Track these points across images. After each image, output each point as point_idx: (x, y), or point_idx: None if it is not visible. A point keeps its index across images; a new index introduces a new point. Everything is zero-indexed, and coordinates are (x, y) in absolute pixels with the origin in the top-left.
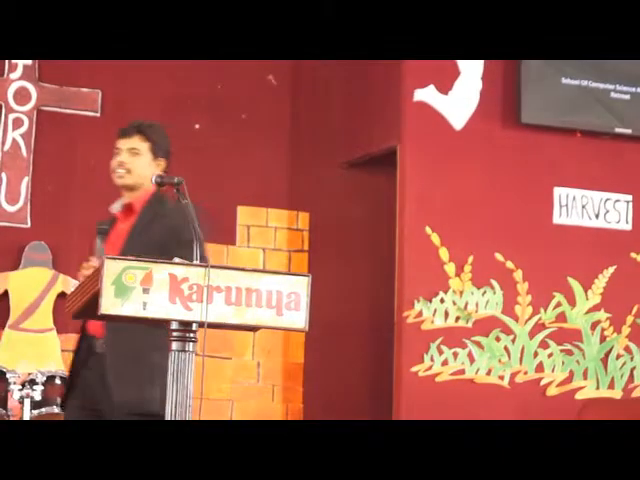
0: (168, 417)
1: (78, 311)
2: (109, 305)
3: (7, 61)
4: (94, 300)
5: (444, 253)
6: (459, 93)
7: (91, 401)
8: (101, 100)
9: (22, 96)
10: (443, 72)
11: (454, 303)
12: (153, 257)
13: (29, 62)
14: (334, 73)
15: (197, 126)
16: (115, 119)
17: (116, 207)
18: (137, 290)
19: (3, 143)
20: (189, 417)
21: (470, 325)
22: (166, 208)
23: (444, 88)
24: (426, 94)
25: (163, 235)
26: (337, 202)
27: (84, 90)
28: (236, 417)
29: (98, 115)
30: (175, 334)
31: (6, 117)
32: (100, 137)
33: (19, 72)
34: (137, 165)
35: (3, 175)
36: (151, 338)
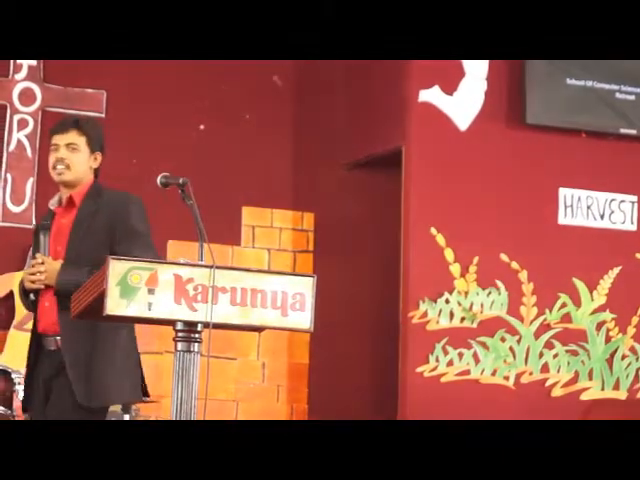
0: (173, 417)
1: (82, 312)
2: (114, 306)
3: (12, 62)
4: (99, 301)
5: (449, 254)
6: (464, 94)
7: (45, 400)
8: (106, 101)
9: (27, 97)
10: (448, 73)
11: (459, 304)
12: (99, 250)
13: (34, 63)
14: (338, 74)
15: (202, 127)
16: (120, 120)
17: (53, 202)
18: (142, 291)
19: (8, 144)
20: (194, 417)
21: (475, 326)
22: (105, 199)
23: (449, 89)
24: (431, 95)
25: (107, 226)
26: (342, 203)
27: (89, 91)
28: (241, 417)
29: (103, 116)
30: (180, 334)
31: (11, 118)
32: (105, 138)
33: (24, 73)
34: (76, 161)
35: (8, 176)
36: (110, 333)
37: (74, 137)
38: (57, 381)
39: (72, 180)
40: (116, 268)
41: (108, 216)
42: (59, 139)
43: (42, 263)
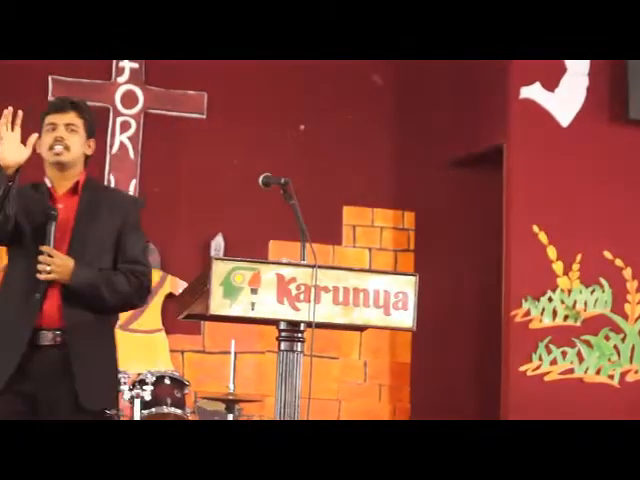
0: (277, 417)
1: (188, 312)
2: (218, 306)
3: (114, 65)
4: (203, 301)
5: (552, 251)
6: (565, 90)
7: (34, 394)
8: (207, 102)
9: (129, 99)
10: (549, 69)
11: (562, 302)
12: (104, 241)
13: (136, 65)
14: (439, 72)
15: (302, 127)
16: (221, 121)
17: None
18: (245, 290)
19: (111, 146)
20: (297, 417)
21: (579, 324)
22: (104, 192)
23: (550, 85)
24: (532, 91)
25: (111, 217)
26: (443, 201)
27: (190, 93)
28: (343, 417)
29: (204, 117)
30: (283, 334)
31: (114, 120)
32: (206, 139)
33: (126, 75)
34: (74, 142)
35: (112, 177)
36: (108, 330)
37: (73, 118)
38: (52, 385)
39: (69, 162)
40: (219, 268)
41: (112, 207)
42: (57, 118)
43: (51, 257)
